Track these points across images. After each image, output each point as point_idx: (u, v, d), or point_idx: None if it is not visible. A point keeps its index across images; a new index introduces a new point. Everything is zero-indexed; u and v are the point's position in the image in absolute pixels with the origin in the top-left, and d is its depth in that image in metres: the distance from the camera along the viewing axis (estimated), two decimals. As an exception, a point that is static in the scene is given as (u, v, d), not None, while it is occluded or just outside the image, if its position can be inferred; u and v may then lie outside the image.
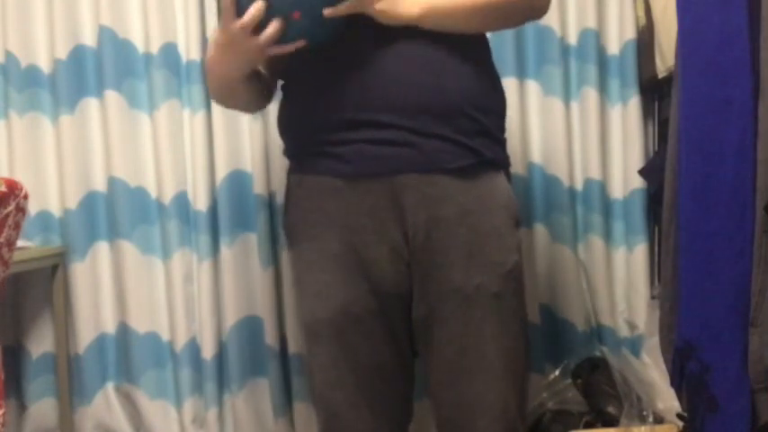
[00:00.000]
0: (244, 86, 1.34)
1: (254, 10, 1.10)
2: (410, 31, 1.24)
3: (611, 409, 2.18)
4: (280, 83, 1.45)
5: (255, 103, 1.43)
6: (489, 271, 1.29)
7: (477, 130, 1.31)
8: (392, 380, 1.35)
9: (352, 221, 1.29)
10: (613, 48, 2.29)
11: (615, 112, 2.31)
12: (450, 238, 1.28)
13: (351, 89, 1.23)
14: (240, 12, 1.12)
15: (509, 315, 1.32)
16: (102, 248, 2.31)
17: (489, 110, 1.34)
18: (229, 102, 1.44)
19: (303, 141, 1.34)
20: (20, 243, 1.64)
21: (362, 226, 1.29)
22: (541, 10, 1.31)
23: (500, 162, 1.37)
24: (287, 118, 1.37)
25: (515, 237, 1.35)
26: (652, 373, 2.21)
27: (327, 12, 1.11)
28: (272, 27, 1.11)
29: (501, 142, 1.38)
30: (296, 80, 1.33)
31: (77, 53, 2.27)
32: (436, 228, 1.27)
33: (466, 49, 1.30)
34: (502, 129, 1.39)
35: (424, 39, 1.25)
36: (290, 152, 1.40)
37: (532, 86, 2.29)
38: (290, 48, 1.16)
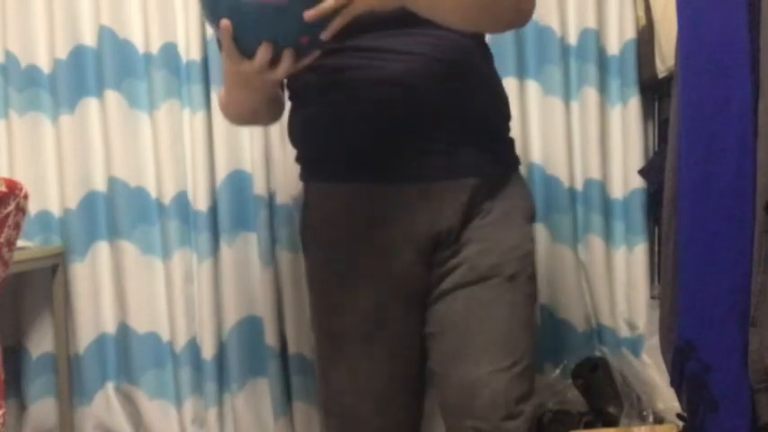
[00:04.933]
0: (266, 108, 1.33)
1: (263, 53, 1.04)
2: (431, 36, 1.23)
3: (611, 409, 2.18)
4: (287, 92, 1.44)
5: (277, 116, 1.42)
6: (506, 254, 1.31)
7: (499, 137, 1.39)
8: (411, 383, 1.35)
9: (382, 229, 1.29)
10: (613, 48, 2.29)
11: (615, 112, 2.31)
12: (477, 234, 1.31)
13: (380, 99, 1.22)
14: (244, 49, 1.07)
15: (521, 298, 1.33)
16: (102, 248, 2.31)
17: (506, 116, 1.41)
18: (253, 123, 1.45)
19: (330, 150, 1.32)
20: (20, 243, 1.64)
21: (393, 233, 1.29)
22: (527, 13, 1.28)
23: (515, 162, 1.43)
24: (307, 127, 1.35)
25: (530, 228, 1.39)
26: (652, 373, 2.21)
27: (309, 14, 1.02)
28: (286, 61, 1.06)
29: (512, 144, 1.44)
30: (316, 90, 1.31)
31: (77, 53, 2.27)
32: (468, 228, 1.31)
33: (478, 52, 1.33)
34: (509, 130, 1.44)
35: (442, 45, 1.25)
36: (310, 160, 1.38)
37: (532, 86, 2.29)
38: (308, 61, 1.11)
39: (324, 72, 1.27)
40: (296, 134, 1.39)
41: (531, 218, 1.41)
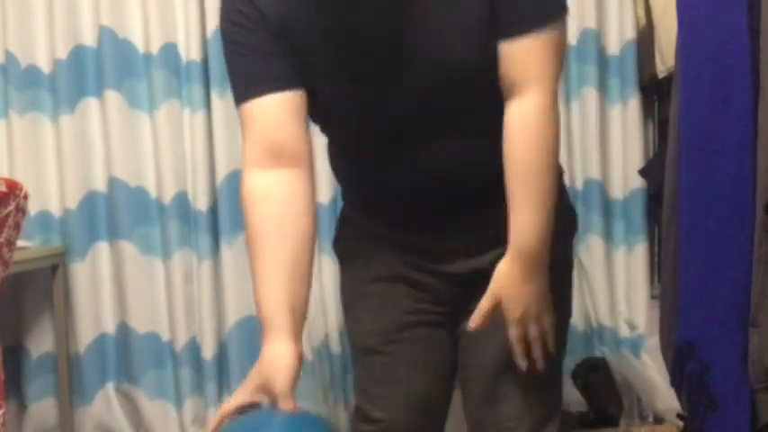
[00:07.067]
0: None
1: None
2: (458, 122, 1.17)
3: (611, 409, 2.18)
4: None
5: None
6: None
7: None
8: (439, 391, 1.33)
9: (416, 268, 1.27)
10: (613, 48, 2.28)
11: (615, 112, 2.30)
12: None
13: (404, 171, 1.18)
14: None
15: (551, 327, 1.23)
16: (102, 248, 2.31)
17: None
18: None
19: (361, 200, 1.31)
20: (20, 243, 1.64)
21: (427, 270, 1.26)
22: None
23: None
24: (340, 170, 1.32)
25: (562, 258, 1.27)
26: (652, 373, 2.21)
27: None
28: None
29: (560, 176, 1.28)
30: (349, 147, 1.26)
31: (77, 53, 2.27)
32: (499, 257, 1.21)
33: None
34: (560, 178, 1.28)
35: (464, 128, 1.17)
36: (346, 198, 1.37)
37: (532, 86, 2.28)
38: None
39: (349, 140, 1.23)
40: (331, 166, 1.35)
41: (566, 238, 1.29)
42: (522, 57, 1.09)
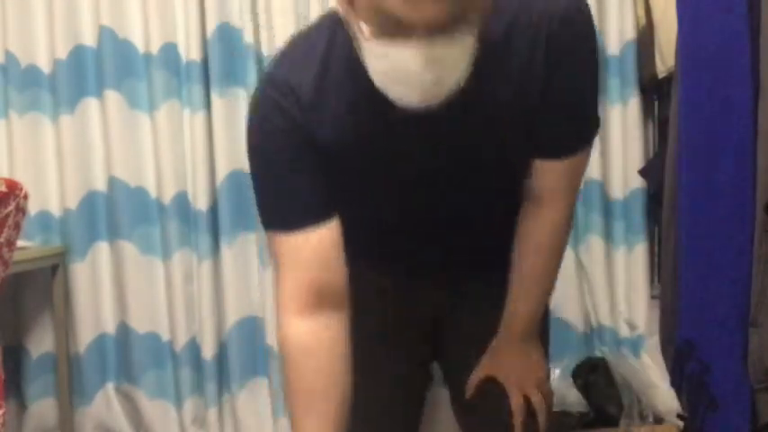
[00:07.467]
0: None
1: None
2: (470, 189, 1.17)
3: (611, 409, 2.18)
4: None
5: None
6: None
7: None
8: (413, 403, 1.35)
9: (400, 291, 1.28)
10: (613, 48, 2.28)
11: (615, 112, 2.30)
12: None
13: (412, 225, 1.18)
14: None
15: None
16: (102, 248, 2.31)
17: None
18: None
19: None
20: (20, 243, 1.64)
21: (410, 294, 1.28)
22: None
23: None
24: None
25: None
26: (652, 373, 2.21)
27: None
28: None
29: None
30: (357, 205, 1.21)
31: (77, 53, 2.28)
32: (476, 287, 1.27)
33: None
34: None
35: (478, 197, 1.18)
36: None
37: (532, 86, 2.28)
38: None
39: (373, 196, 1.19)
40: None
41: None
42: (551, 176, 1.11)
